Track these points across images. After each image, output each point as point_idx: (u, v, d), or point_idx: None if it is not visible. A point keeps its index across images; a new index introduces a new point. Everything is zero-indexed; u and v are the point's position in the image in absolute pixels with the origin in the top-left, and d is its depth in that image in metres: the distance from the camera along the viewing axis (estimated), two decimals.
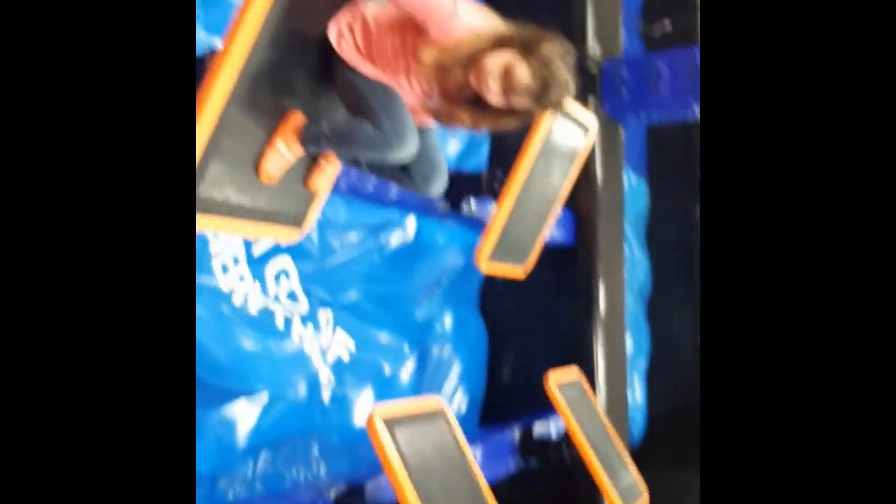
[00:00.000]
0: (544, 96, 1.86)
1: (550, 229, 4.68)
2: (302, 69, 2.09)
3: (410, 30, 1.92)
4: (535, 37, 1.86)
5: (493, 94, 1.86)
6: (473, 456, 3.68)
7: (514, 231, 3.63)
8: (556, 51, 1.86)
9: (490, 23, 1.93)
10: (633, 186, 7.68)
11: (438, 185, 2.23)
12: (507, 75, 1.84)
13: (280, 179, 2.18)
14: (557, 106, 1.92)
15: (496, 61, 1.84)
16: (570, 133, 3.72)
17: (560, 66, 1.85)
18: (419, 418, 2.82)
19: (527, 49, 1.83)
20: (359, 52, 2.01)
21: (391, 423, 2.62)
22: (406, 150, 1.99)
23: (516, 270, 3.91)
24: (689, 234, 8.22)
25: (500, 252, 3.61)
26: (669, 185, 8.19)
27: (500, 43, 1.84)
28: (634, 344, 7.42)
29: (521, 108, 1.89)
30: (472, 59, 1.84)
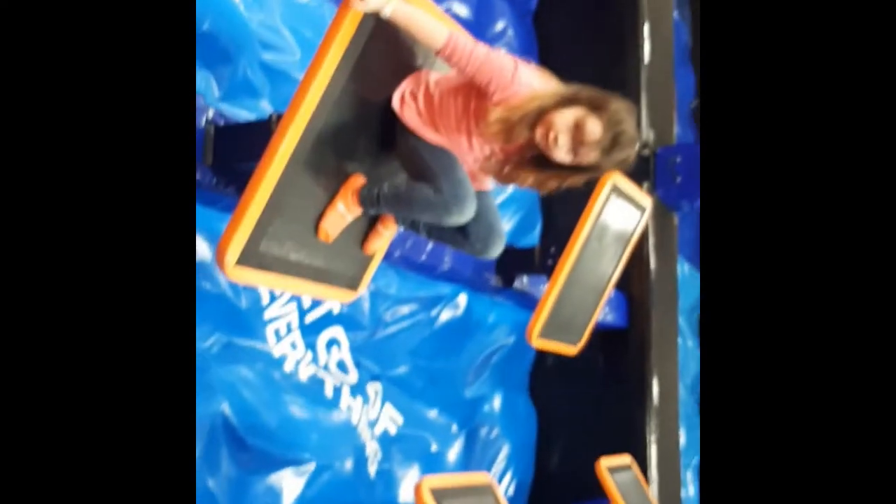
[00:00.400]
0: (614, 150, 1.87)
1: (603, 310, 4.64)
2: (364, 134, 2.16)
3: (473, 93, 1.97)
4: (601, 95, 1.89)
5: (562, 150, 1.88)
6: None
7: (566, 308, 3.61)
8: (624, 107, 1.89)
9: (553, 84, 1.97)
10: (687, 276, 7.61)
11: (496, 249, 2.25)
12: (577, 129, 1.86)
13: (337, 241, 2.22)
14: (625, 163, 1.93)
15: (566, 117, 1.86)
16: (625, 212, 3.74)
17: (629, 123, 1.88)
18: (467, 491, 2.77)
19: (595, 105, 1.86)
20: (420, 117, 2.06)
21: (439, 494, 2.58)
22: (464, 214, 2.01)
23: (568, 349, 3.87)
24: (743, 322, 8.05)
25: (552, 329, 3.59)
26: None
27: (567, 101, 1.87)
28: (688, 439, 7.20)
29: (589, 163, 1.90)
30: (540, 116, 1.87)
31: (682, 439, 6.99)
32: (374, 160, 2.21)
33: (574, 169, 1.95)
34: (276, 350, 3.30)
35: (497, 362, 4.82)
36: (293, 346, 3.38)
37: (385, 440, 3.88)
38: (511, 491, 4.77)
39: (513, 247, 3.85)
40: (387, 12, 1.88)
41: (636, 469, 4.39)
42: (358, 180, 2.15)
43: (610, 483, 3.86)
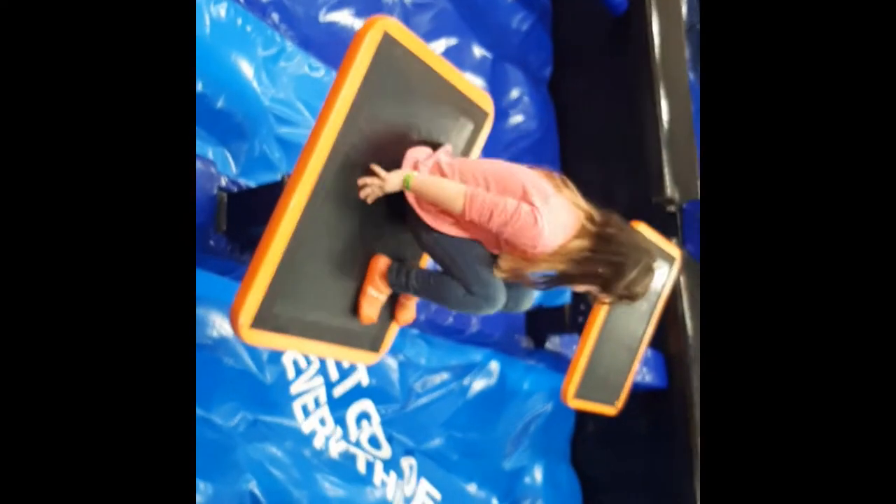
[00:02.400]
0: (628, 299, 1.94)
1: (641, 371, 4.51)
2: (376, 212, 2.12)
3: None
4: (616, 266, 1.88)
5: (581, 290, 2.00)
6: None
7: (600, 367, 3.50)
8: (641, 277, 1.90)
9: (572, 234, 1.94)
10: None
11: (527, 304, 2.23)
12: (594, 294, 1.97)
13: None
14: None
15: (584, 285, 1.96)
16: None
17: (643, 284, 1.92)
18: None
19: (607, 285, 1.91)
20: (439, 215, 2.03)
21: None
22: (496, 308, 2.03)
23: (607, 409, 3.73)
24: None
25: (588, 388, 3.47)
26: None
27: (585, 275, 1.94)
28: None
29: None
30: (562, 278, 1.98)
31: None
32: (392, 233, 2.18)
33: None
34: (305, 426, 3.22)
35: (535, 431, 4.67)
36: (322, 421, 3.30)
37: None
38: None
39: (542, 306, 3.76)
40: (408, 186, 1.99)
41: None
42: (381, 262, 2.14)
43: None
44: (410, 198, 2.03)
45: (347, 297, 2.16)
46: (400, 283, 2.12)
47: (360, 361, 2.29)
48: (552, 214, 1.91)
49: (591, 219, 1.96)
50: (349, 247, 2.11)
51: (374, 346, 2.32)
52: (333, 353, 2.19)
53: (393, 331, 2.35)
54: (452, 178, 2.02)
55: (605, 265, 1.89)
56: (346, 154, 2.01)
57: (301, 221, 1.94)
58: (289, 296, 1.98)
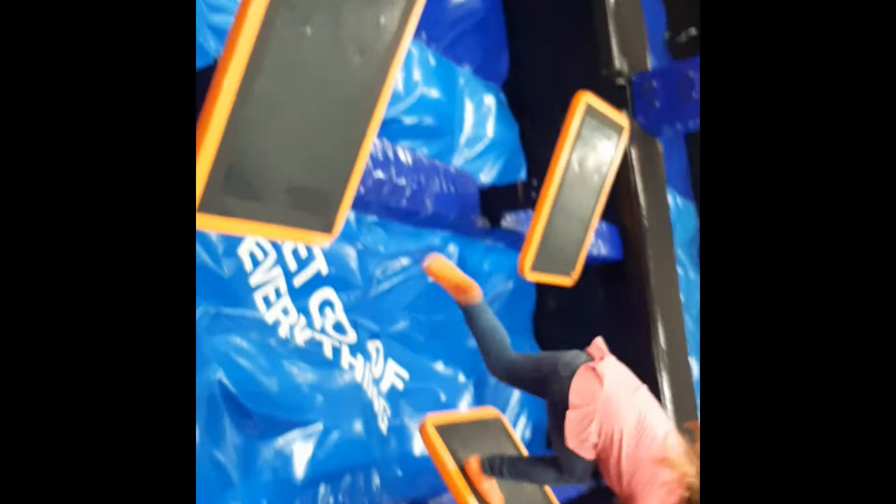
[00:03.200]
0: None
1: (597, 244, 4.60)
2: None
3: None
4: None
5: None
6: None
7: (555, 239, 3.56)
8: None
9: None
10: (681, 209, 7.56)
11: None
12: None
13: (307, 184, 2.18)
14: None
15: None
16: (602, 132, 3.68)
17: None
18: (474, 425, 2.74)
19: None
20: (593, 450, 2.36)
21: (444, 429, 2.55)
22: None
23: (563, 280, 3.83)
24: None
25: (544, 261, 3.55)
26: None
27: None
28: (698, 367, 7.20)
29: None
30: None
31: (696, 369, 6.98)
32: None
33: None
34: (268, 317, 3.26)
35: (497, 310, 4.79)
36: (285, 311, 3.34)
37: (393, 396, 3.85)
38: (528, 434, 4.75)
39: (496, 185, 3.79)
40: None
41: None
42: (473, 464, 2.55)
43: None
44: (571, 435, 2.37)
45: (296, 177, 2.15)
46: (494, 472, 2.51)
47: (313, 243, 2.30)
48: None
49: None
50: (296, 124, 2.09)
51: (327, 227, 2.34)
52: (285, 235, 2.20)
53: (344, 210, 2.36)
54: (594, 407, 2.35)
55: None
56: (279, 27, 1.97)
57: (238, 101, 1.91)
58: (234, 178, 1.97)
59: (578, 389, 2.35)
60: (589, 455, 2.35)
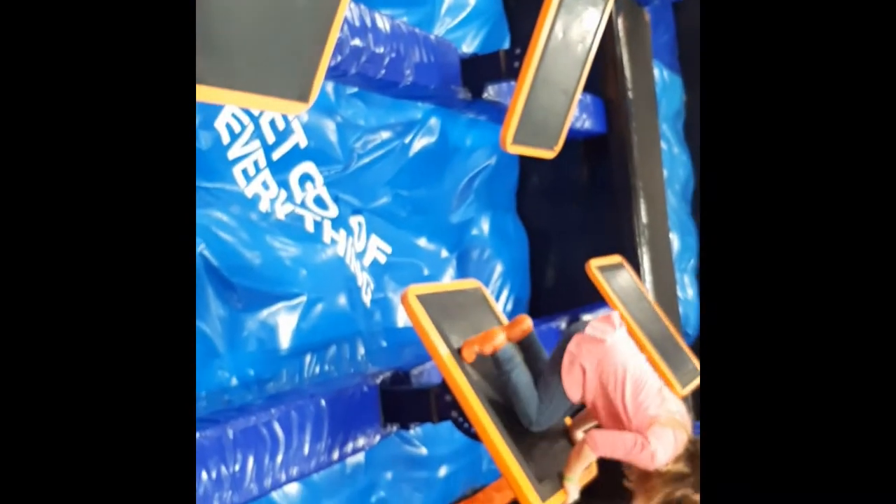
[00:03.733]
0: None
1: (581, 116, 4.55)
2: None
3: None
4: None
5: None
6: None
7: (538, 109, 3.51)
8: None
9: (674, 454, 2.42)
10: (667, 83, 7.45)
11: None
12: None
13: (278, 52, 2.12)
14: None
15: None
16: (588, 1, 3.57)
17: None
18: (455, 294, 2.78)
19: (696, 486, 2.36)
20: (580, 388, 2.55)
21: (426, 299, 2.58)
22: (539, 430, 2.60)
23: (545, 153, 3.80)
24: None
25: (526, 133, 3.51)
26: None
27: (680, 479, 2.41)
28: (681, 243, 7.29)
29: None
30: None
31: (676, 244, 7.08)
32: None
33: None
34: (248, 191, 3.23)
35: (480, 185, 4.78)
36: (265, 185, 3.31)
37: (376, 270, 3.88)
38: (510, 307, 4.85)
39: (477, 54, 3.70)
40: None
41: (628, 267, 4.43)
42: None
43: (601, 281, 3.90)
44: (566, 362, 2.53)
45: (270, 44, 2.08)
46: (500, 364, 2.57)
47: (289, 111, 2.26)
48: (666, 444, 2.41)
49: (688, 435, 2.45)
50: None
51: (302, 95, 2.28)
52: (259, 104, 2.15)
53: (318, 79, 2.30)
54: (592, 365, 2.52)
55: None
56: None
57: None
58: (204, 44, 1.90)
59: (587, 335, 2.57)
60: (574, 393, 2.53)
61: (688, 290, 7.49)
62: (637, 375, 2.52)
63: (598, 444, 2.46)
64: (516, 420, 2.56)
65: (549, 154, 3.84)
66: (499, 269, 4.79)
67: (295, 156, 3.45)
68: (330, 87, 3.59)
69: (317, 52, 2.24)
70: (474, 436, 2.56)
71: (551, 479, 2.50)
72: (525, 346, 2.70)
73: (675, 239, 6.91)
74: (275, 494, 3.08)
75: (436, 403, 2.68)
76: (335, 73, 2.95)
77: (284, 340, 3.23)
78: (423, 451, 3.88)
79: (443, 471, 4.01)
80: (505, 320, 2.95)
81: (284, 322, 3.24)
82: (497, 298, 4.76)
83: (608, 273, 4.02)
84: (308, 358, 3.35)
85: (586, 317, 4.41)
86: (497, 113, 4.02)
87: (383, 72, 3.08)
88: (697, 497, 2.36)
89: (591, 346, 2.53)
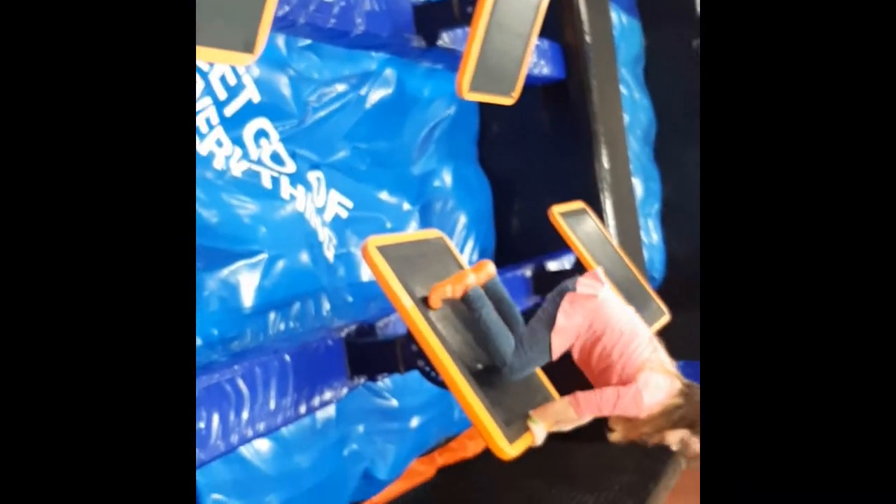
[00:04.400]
0: None
1: (539, 63, 4.51)
2: None
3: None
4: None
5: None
6: None
7: (494, 55, 3.47)
8: None
9: (667, 395, 2.40)
10: (626, 27, 7.40)
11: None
12: (683, 444, 2.39)
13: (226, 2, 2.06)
14: None
15: (674, 437, 2.39)
16: None
17: None
18: (417, 244, 2.76)
19: (696, 427, 2.33)
20: (569, 344, 2.55)
21: (387, 249, 2.56)
22: (510, 379, 2.60)
23: (503, 99, 3.77)
24: (691, 71, 7.96)
25: (483, 80, 3.47)
26: (663, 22, 7.89)
27: (675, 424, 2.37)
28: (645, 188, 7.32)
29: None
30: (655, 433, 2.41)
31: (640, 190, 7.10)
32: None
33: None
34: (202, 149, 3.17)
35: (440, 135, 4.73)
36: (218, 143, 3.25)
37: (337, 225, 3.85)
38: (475, 257, 4.84)
39: (430, 1, 3.63)
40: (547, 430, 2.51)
41: (591, 213, 4.44)
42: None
43: (564, 227, 3.91)
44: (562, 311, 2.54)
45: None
46: (474, 300, 2.56)
47: (235, 62, 2.20)
48: (653, 388, 2.40)
49: (681, 380, 2.44)
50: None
51: (248, 46, 2.23)
52: (204, 56, 2.10)
53: (265, 29, 2.24)
54: (587, 321, 2.53)
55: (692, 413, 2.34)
56: None
57: None
58: None
59: (580, 294, 2.58)
60: (562, 343, 2.55)
61: (652, 235, 7.54)
62: (629, 325, 2.55)
63: (581, 405, 2.44)
64: (484, 368, 2.57)
65: (507, 100, 3.80)
66: (462, 219, 4.78)
67: (248, 112, 3.38)
68: (281, 40, 3.51)
69: (260, 3, 2.18)
70: (441, 384, 2.56)
71: (519, 423, 2.52)
72: (489, 290, 2.70)
73: (638, 184, 6.93)
74: (246, 452, 3.08)
75: (402, 353, 2.67)
76: (284, 24, 2.88)
77: (247, 299, 3.20)
78: (394, 402, 3.90)
79: (415, 421, 4.03)
80: (466, 266, 2.94)
81: (246, 280, 3.20)
82: (462, 249, 4.75)
83: (571, 219, 4.02)
84: (272, 315, 3.33)
85: (551, 264, 4.43)
86: (453, 60, 3.96)
87: (333, 21, 3.02)
88: (697, 441, 2.33)
89: (585, 302, 2.54)
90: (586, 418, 2.51)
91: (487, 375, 2.57)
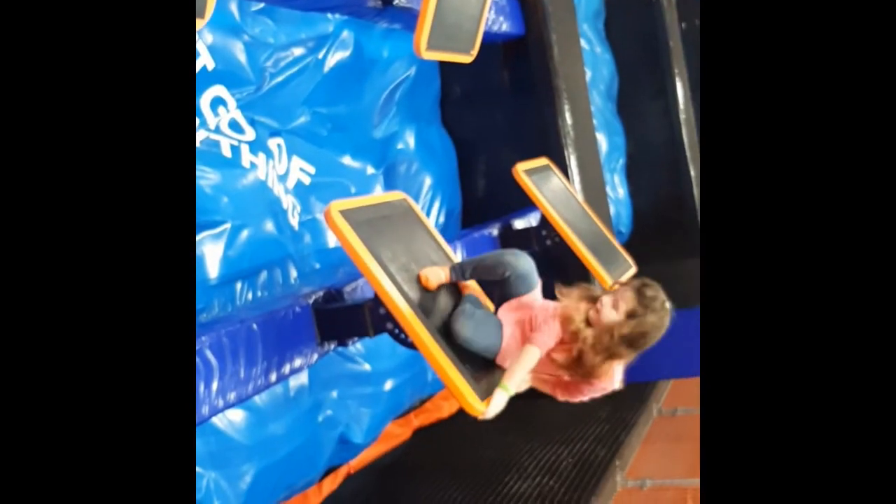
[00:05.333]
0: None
1: (498, 20, 4.46)
2: None
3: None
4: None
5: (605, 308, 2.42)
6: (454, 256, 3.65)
7: (450, 14, 3.43)
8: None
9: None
10: None
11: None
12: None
13: None
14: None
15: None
16: None
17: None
18: (380, 208, 2.75)
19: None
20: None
21: (350, 213, 2.54)
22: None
23: (462, 57, 3.73)
24: (652, 24, 7.95)
25: (441, 38, 3.43)
26: None
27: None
28: (609, 143, 7.33)
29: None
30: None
31: (604, 144, 7.12)
32: None
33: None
34: None
35: (402, 97, 4.69)
36: None
37: (301, 192, 3.82)
38: (441, 219, 4.84)
39: None
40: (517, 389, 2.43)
41: (555, 169, 4.44)
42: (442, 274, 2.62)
43: (529, 185, 3.90)
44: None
45: None
46: (462, 275, 2.59)
47: None
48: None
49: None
50: None
51: (199, 11, 2.17)
52: None
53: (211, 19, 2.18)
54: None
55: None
56: None
57: None
58: None
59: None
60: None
61: (618, 190, 7.58)
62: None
63: (535, 341, 2.41)
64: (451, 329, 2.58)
65: (466, 58, 3.77)
66: (428, 181, 4.76)
67: (204, 79, 3.32)
68: (234, 5, 3.44)
69: None
70: (411, 345, 2.57)
71: (489, 378, 2.53)
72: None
73: (602, 139, 6.94)
74: (220, 422, 3.08)
75: (370, 317, 2.67)
76: None
77: (212, 270, 3.17)
78: (367, 367, 3.91)
79: (388, 384, 4.05)
80: (433, 229, 2.94)
81: (210, 251, 3.17)
82: (428, 212, 4.74)
83: (535, 176, 4.02)
84: (239, 285, 3.31)
85: (518, 222, 4.43)
86: (411, 20, 3.91)
87: None
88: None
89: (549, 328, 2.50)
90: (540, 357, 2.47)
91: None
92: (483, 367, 2.57)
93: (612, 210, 6.31)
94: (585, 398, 2.58)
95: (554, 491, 3.82)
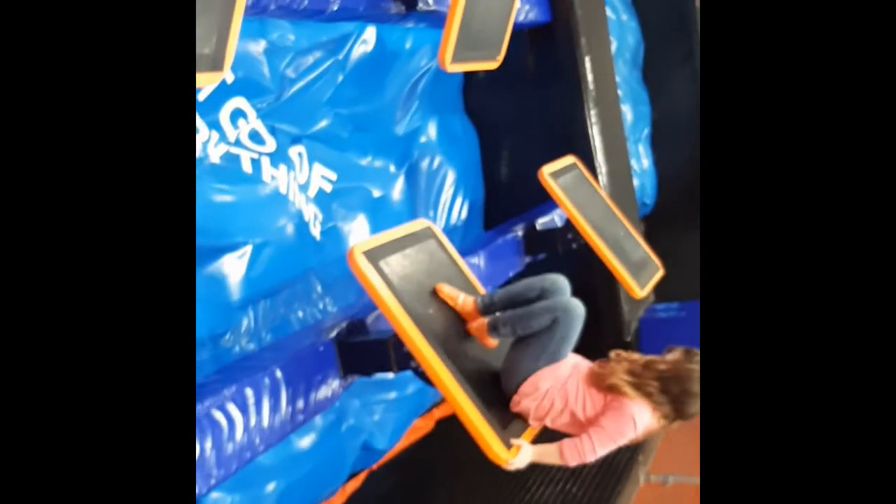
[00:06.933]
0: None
1: (522, 8, 4.31)
2: None
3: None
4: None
5: None
6: (479, 260, 3.60)
7: (476, 20, 3.30)
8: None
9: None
10: None
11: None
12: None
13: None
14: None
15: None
16: None
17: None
18: (404, 242, 2.68)
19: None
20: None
21: (373, 254, 2.49)
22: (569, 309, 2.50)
23: (488, 64, 3.62)
24: None
25: (466, 48, 3.31)
26: None
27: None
28: (634, 112, 7.17)
29: None
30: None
31: (630, 115, 6.96)
32: None
33: None
34: None
35: (424, 89, 4.57)
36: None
37: (322, 200, 3.75)
38: (464, 213, 4.77)
39: None
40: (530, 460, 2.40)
41: (581, 167, 4.34)
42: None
43: (554, 188, 3.81)
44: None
45: None
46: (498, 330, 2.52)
47: (205, 83, 2.07)
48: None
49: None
50: None
51: (217, 64, 2.09)
52: None
53: (232, 43, 2.10)
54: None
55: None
56: None
57: None
58: None
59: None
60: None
61: (643, 161, 7.44)
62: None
63: (566, 455, 2.34)
64: (482, 378, 2.53)
65: (492, 65, 3.65)
66: (451, 175, 4.67)
67: (223, 92, 3.24)
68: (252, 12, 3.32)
69: (226, 18, 2.03)
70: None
71: (517, 423, 2.51)
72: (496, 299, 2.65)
73: (627, 110, 6.78)
74: None
75: (394, 354, 2.64)
76: (255, 11, 2.71)
77: (235, 292, 3.14)
78: (389, 373, 3.89)
79: (411, 388, 4.04)
80: (458, 257, 2.88)
81: (232, 274, 3.13)
82: (451, 205, 4.67)
83: (561, 178, 3.92)
84: (262, 304, 3.28)
85: (542, 221, 4.35)
86: (437, 20, 3.78)
87: (305, 2, 2.84)
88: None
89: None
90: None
91: (481, 374, 2.55)
92: (508, 408, 2.55)
93: (636, 182, 6.20)
94: (598, 442, 2.39)
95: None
